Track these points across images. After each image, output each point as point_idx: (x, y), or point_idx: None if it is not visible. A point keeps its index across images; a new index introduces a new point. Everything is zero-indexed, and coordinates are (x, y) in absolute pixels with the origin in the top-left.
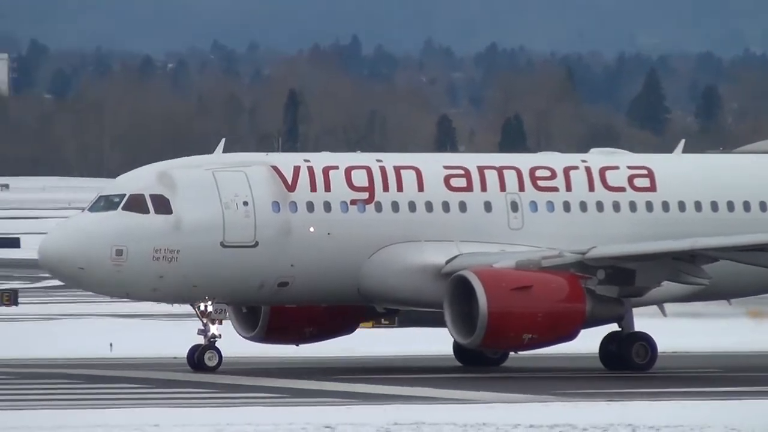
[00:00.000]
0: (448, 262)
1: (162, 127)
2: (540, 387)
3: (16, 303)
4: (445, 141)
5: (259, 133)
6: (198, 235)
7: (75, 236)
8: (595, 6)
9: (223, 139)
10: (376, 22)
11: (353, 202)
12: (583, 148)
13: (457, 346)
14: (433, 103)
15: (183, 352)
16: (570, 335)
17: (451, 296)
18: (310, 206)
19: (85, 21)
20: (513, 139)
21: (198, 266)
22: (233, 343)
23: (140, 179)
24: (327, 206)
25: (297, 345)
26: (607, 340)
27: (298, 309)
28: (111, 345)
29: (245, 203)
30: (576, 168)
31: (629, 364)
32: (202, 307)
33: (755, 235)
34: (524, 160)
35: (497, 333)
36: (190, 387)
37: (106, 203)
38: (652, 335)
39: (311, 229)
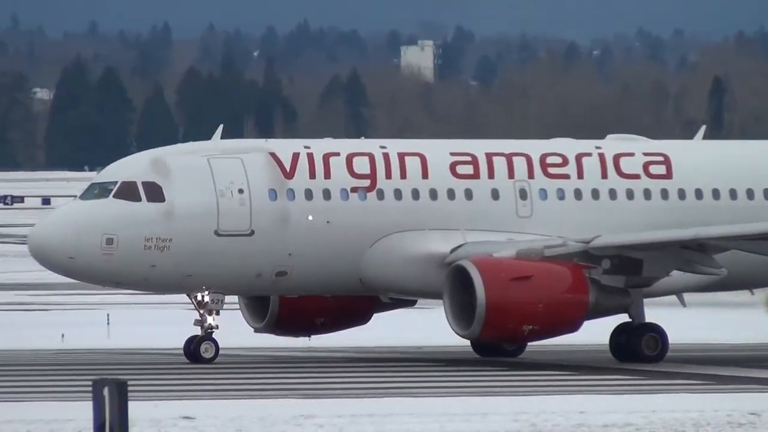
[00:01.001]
0: (452, 251)
1: (586, 114)
2: None
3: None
4: None
5: (684, 120)
6: (191, 224)
7: (64, 225)
8: None
9: (221, 126)
10: None
11: (354, 189)
12: None
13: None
14: None
15: None
16: (573, 326)
17: (451, 287)
18: (309, 194)
19: (511, 7)
20: None
21: (191, 255)
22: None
23: (133, 166)
24: (326, 194)
25: (309, 337)
26: (618, 332)
27: (308, 299)
28: None
29: (240, 191)
30: (589, 155)
31: (639, 356)
32: (198, 298)
33: (761, 224)
34: (535, 147)
35: (496, 324)
36: (614, 374)
37: (98, 191)
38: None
39: (309, 218)
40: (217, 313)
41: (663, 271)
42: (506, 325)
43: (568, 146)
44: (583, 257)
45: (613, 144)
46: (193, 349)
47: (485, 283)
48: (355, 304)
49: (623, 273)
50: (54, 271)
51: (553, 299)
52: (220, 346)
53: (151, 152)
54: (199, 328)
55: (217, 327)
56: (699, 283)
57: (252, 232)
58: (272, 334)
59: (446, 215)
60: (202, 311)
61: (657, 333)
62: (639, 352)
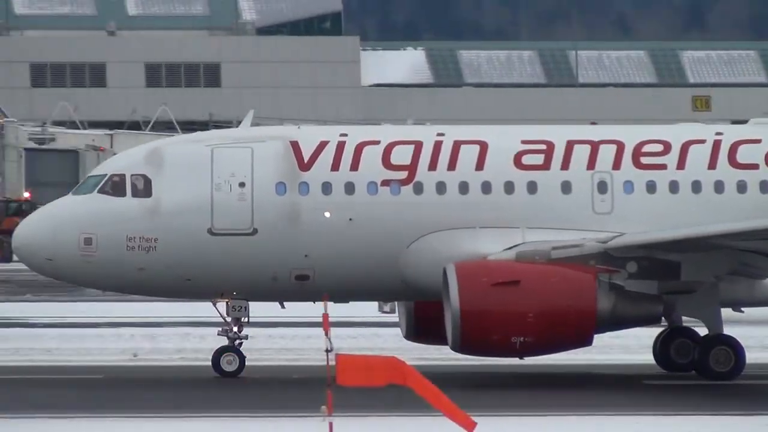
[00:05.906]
0: (505, 251)
1: None
2: None
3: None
4: None
5: None
6: (178, 221)
7: (44, 223)
8: None
9: (251, 111)
10: None
11: (385, 182)
12: None
13: (655, 350)
14: None
15: None
16: (581, 339)
17: (444, 292)
18: (327, 188)
19: None
20: None
21: (183, 257)
22: None
23: (128, 157)
24: (349, 188)
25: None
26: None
27: None
28: None
29: (242, 184)
30: (701, 142)
31: (708, 372)
32: (222, 304)
33: (759, 221)
34: (633, 133)
35: (475, 335)
36: None
37: (89, 185)
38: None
39: (326, 214)
40: (247, 321)
41: (709, 275)
42: (489, 337)
43: (678, 132)
44: (602, 259)
45: (741, 129)
46: (213, 361)
47: (460, 288)
48: None
49: (655, 278)
50: (38, 273)
51: (547, 307)
52: None
53: (155, 142)
54: (226, 338)
55: (246, 337)
56: None
57: (254, 231)
58: (418, 343)
59: (501, 211)
60: (228, 319)
61: (729, 346)
62: (707, 367)
